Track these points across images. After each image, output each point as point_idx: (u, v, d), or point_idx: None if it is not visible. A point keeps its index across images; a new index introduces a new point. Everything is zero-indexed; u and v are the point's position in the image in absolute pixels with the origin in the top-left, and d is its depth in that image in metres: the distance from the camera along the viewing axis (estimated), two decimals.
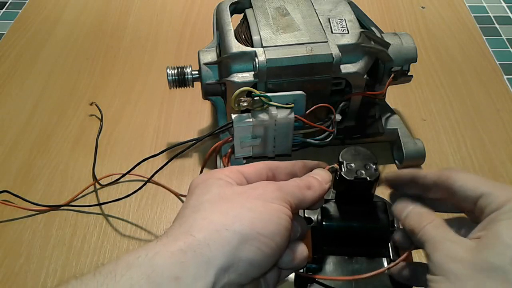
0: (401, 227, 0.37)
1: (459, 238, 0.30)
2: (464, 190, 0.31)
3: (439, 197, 0.34)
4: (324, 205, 0.40)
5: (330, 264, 0.40)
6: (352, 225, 0.40)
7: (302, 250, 0.35)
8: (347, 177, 0.37)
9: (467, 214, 0.33)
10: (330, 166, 0.38)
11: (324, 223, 0.39)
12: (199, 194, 0.32)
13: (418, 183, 0.35)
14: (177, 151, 0.49)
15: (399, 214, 0.35)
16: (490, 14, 0.87)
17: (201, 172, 0.50)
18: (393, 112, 0.61)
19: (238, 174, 0.34)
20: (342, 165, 0.38)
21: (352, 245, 0.40)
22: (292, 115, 0.48)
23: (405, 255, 0.36)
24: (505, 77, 0.73)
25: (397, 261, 0.36)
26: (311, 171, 0.38)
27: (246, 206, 0.30)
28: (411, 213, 0.34)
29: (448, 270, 0.28)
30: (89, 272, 0.27)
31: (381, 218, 0.40)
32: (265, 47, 0.50)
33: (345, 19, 0.53)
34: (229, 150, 0.50)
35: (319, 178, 0.36)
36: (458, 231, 0.33)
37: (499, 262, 0.27)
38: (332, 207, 0.40)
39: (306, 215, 0.43)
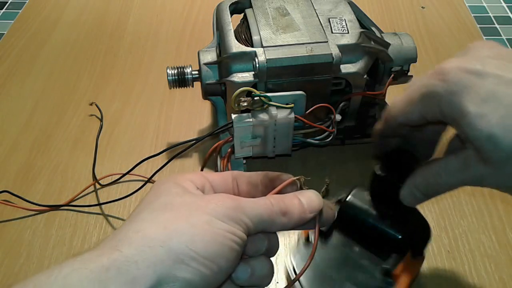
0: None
1: None
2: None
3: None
4: (354, 192, 0.39)
5: (333, 240, 0.40)
6: (369, 220, 0.40)
7: (262, 267, 0.31)
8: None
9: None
10: (296, 178, 0.33)
11: (345, 208, 0.39)
12: (144, 202, 0.30)
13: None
14: (177, 151, 0.49)
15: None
16: (490, 14, 0.87)
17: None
18: None
19: (201, 177, 0.32)
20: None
21: (360, 237, 0.40)
22: (292, 115, 0.48)
23: None
24: None
25: None
26: (272, 182, 0.34)
27: (190, 220, 0.27)
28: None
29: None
30: None
31: (401, 230, 0.39)
32: (265, 47, 0.50)
33: (345, 19, 0.53)
34: (229, 150, 0.50)
35: (304, 205, 0.31)
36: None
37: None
38: (364, 196, 0.40)
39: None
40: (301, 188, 0.33)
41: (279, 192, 0.32)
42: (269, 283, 0.33)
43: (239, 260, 0.29)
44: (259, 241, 0.32)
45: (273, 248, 0.33)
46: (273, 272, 0.32)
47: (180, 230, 0.27)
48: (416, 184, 0.35)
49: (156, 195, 0.30)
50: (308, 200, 0.32)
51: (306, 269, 0.32)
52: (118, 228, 0.28)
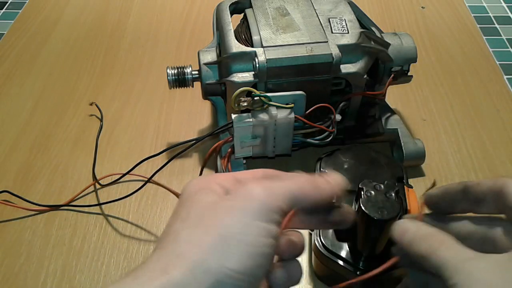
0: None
1: (482, 254, 0.27)
2: None
3: (491, 210, 0.30)
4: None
5: None
6: None
7: (296, 271, 0.32)
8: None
9: None
10: None
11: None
12: (181, 218, 0.30)
13: (471, 193, 0.31)
14: (177, 151, 0.49)
15: (400, 238, 0.31)
16: (490, 14, 0.87)
17: (201, 172, 0.50)
18: (393, 112, 0.61)
19: (233, 180, 0.32)
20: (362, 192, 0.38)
21: None
22: (292, 115, 0.48)
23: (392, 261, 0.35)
24: (505, 77, 0.73)
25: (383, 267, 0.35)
26: None
27: (222, 235, 0.27)
28: (416, 237, 0.30)
29: None
30: None
31: None
32: (265, 47, 0.50)
33: (345, 19, 0.53)
34: (229, 150, 0.50)
35: (331, 181, 0.32)
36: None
37: None
38: None
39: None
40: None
41: None
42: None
43: (273, 260, 0.29)
44: (290, 245, 0.32)
45: (301, 249, 0.33)
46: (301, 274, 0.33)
47: (214, 248, 0.27)
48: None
49: (188, 206, 0.30)
50: (333, 178, 0.32)
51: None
52: (160, 238, 0.30)
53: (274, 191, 0.29)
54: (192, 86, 0.57)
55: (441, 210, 0.33)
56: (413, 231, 0.31)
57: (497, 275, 0.24)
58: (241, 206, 0.28)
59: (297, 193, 0.30)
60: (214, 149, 0.49)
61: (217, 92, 0.56)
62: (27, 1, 0.90)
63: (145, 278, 0.27)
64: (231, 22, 0.55)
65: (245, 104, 0.47)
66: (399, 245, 0.31)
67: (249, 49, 0.50)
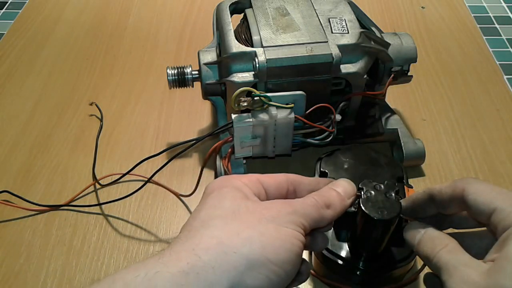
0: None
1: (474, 261, 0.29)
2: (477, 204, 0.30)
3: (458, 211, 0.32)
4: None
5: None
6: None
7: (307, 273, 0.35)
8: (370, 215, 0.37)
9: (487, 228, 0.31)
10: (357, 193, 0.37)
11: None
12: (211, 205, 0.31)
13: (436, 201, 0.33)
14: (177, 151, 0.49)
15: (411, 240, 0.33)
16: (490, 14, 0.87)
17: (200, 172, 0.50)
18: (393, 112, 0.61)
19: (257, 184, 0.33)
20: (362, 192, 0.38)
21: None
22: (292, 115, 0.48)
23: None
24: (505, 77, 0.73)
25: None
26: None
27: (258, 228, 0.29)
28: (424, 239, 0.32)
29: None
30: None
31: None
32: (265, 47, 0.50)
33: (345, 19, 0.53)
34: (229, 150, 0.50)
35: (341, 192, 0.34)
36: (480, 243, 0.32)
37: (510, 284, 0.25)
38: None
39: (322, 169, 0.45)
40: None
41: None
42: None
43: (300, 265, 0.31)
44: (311, 247, 0.35)
45: (320, 250, 0.38)
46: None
47: (251, 238, 0.28)
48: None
49: (220, 199, 0.31)
50: (342, 188, 0.34)
51: None
52: (184, 230, 0.30)
53: (299, 211, 0.31)
54: (192, 86, 0.57)
55: (415, 216, 0.35)
56: (422, 232, 0.33)
57: (480, 283, 0.26)
58: (272, 216, 0.30)
59: (315, 216, 0.32)
60: (214, 149, 0.49)
61: (217, 92, 0.56)
62: (27, 1, 0.90)
63: (170, 257, 0.27)
64: (231, 22, 0.55)
65: (245, 104, 0.47)
66: (409, 245, 0.34)
67: (249, 49, 0.50)
